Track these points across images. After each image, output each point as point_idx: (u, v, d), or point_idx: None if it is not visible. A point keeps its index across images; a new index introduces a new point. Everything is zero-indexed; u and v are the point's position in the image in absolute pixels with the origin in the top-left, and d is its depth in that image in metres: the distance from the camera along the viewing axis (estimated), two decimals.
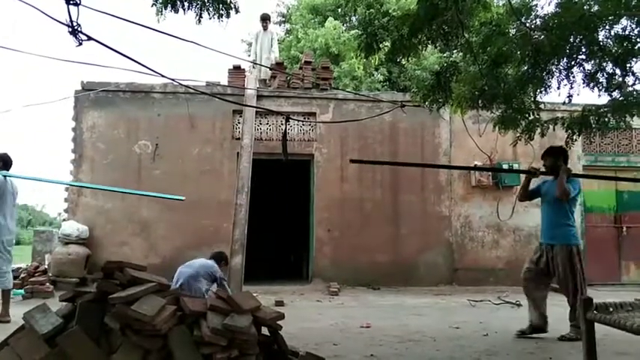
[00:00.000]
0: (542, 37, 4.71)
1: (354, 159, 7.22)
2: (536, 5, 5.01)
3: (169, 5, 4.16)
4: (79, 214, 9.24)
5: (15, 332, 3.17)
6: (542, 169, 5.57)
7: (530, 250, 10.05)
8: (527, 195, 5.76)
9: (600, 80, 4.99)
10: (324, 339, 5.21)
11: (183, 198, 6.56)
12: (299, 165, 9.95)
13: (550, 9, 5.01)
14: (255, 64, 10.24)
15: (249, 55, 13.33)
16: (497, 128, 5.90)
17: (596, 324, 2.90)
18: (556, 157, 5.48)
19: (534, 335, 5.60)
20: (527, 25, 4.90)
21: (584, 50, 4.81)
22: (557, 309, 7.43)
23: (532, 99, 5.56)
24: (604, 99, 5.31)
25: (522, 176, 6.43)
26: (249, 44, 16.71)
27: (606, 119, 5.26)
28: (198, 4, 4.18)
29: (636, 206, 10.61)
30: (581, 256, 5.40)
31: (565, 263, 5.30)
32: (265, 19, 10.82)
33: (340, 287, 8.90)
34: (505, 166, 9.89)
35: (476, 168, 9.62)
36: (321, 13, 17.77)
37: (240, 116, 9.56)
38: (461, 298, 8.34)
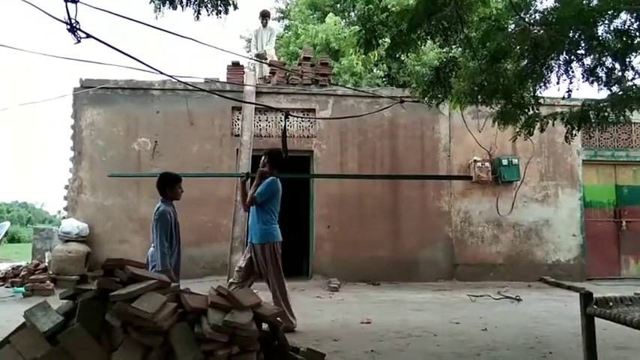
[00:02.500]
0: (542, 32, 4.69)
1: (114, 174, 7.38)
2: (535, 0, 5.00)
3: (167, 2, 4.15)
4: (78, 212, 9.24)
5: (16, 330, 3.18)
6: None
7: (530, 245, 10.14)
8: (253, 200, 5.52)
9: (600, 75, 4.98)
10: (324, 335, 5.22)
11: None
12: (299, 161, 9.93)
13: (549, 4, 5.02)
14: (258, 60, 10.21)
15: (248, 52, 13.32)
16: (496, 123, 5.90)
17: (596, 318, 2.91)
18: (266, 159, 5.49)
19: (535, 330, 5.60)
20: (527, 20, 4.89)
21: (583, 45, 4.79)
22: (557, 304, 7.48)
23: (531, 94, 5.55)
24: (603, 93, 5.32)
25: None
26: (248, 40, 16.67)
27: (606, 114, 5.25)
28: (196, 0, 4.17)
29: (636, 200, 10.61)
30: (277, 253, 5.34)
31: (265, 260, 5.30)
32: (265, 15, 10.80)
33: (340, 283, 8.91)
34: (505, 162, 9.90)
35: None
36: (320, 8, 17.72)
37: (240, 113, 9.55)
38: (461, 293, 8.36)
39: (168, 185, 4.88)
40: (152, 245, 4.85)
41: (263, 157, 5.55)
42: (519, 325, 5.88)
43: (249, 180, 5.73)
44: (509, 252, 10.09)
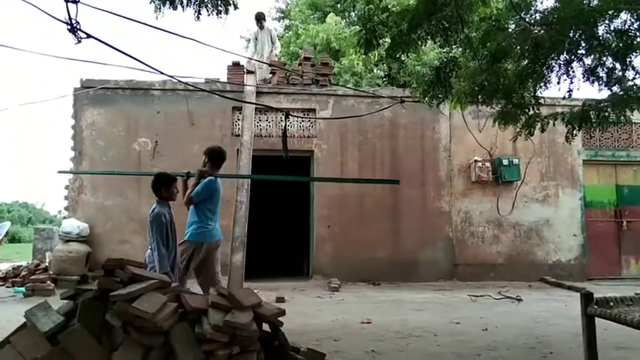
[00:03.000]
0: (542, 32, 4.69)
1: (62, 170, 7.15)
2: (535, 0, 5.00)
3: (168, 2, 4.15)
4: (79, 212, 9.24)
5: (17, 330, 3.18)
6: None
7: (530, 245, 10.14)
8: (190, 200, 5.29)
9: (600, 75, 4.98)
10: (325, 335, 5.23)
11: None
12: (299, 161, 9.94)
13: (549, 4, 5.01)
14: (258, 61, 10.20)
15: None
16: (497, 123, 5.89)
17: (596, 318, 2.91)
18: (206, 158, 5.34)
19: (536, 330, 5.60)
20: (527, 20, 4.89)
21: (583, 45, 4.79)
22: (557, 304, 7.48)
23: (532, 94, 5.55)
24: (604, 93, 5.31)
25: None
26: (249, 41, 16.68)
27: (606, 114, 5.25)
28: (196, 0, 4.17)
29: (637, 200, 10.60)
30: (195, 254, 5.09)
31: (181, 258, 5.09)
32: (259, 18, 10.73)
33: (341, 283, 8.91)
34: (505, 162, 9.90)
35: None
36: (321, 8, 17.73)
37: (240, 113, 9.54)
38: (461, 293, 8.36)
39: (164, 186, 4.79)
40: (149, 247, 4.84)
41: (204, 157, 5.38)
42: (520, 325, 5.88)
43: (189, 179, 5.42)
44: (509, 252, 10.09)
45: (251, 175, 8.85)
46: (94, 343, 2.97)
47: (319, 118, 9.86)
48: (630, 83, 5.06)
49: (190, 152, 9.49)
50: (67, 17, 3.55)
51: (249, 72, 9.75)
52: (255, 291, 4.25)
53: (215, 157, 5.40)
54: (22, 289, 8.01)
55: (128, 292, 3.02)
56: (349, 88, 11.31)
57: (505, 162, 9.91)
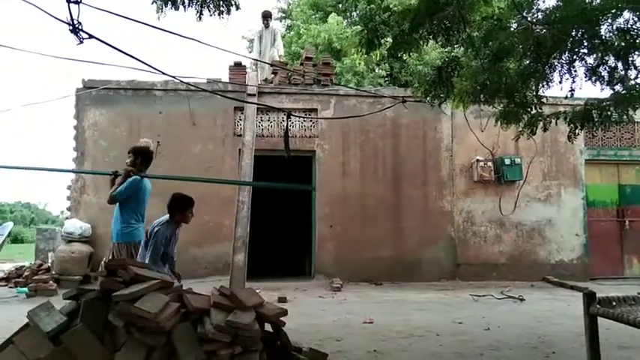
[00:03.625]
0: (544, 31, 4.68)
1: (3, 165, 7.16)
2: None
3: (170, 2, 4.15)
4: (81, 212, 9.25)
5: (19, 330, 3.18)
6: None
7: (532, 245, 10.13)
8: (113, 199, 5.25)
9: (602, 74, 4.97)
10: (327, 335, 5.23)
11: None
12: (301, 161, 9.95)
13: (552, 2, 4.99)
14: (262, 62, 10.21)
15: (250, 52, 13.31)
16: (499, 123, 5.88)
17: (599, 318, 2.90)
18: (134, 156, 5.28)
19: (538, 330, 5.59)
20: (529, 19, 4.88)
21: (586, 44, 4.78)
22: (560, 304, 7.47)
23: (534, 93, 5.53)
24: (606, 93, 5.30)
25: None
26: (250, 41, 16.69)
27: (609, 113, 5.24)
28: (198, 0, 4.17)
29: (639, 200, 10.58)
30: (132, 253, 5.03)
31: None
32: (266, 16, 10.78)
33: (343, 283, 8.91)
34: (507, 161, 9.88)
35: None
36: (322, 8, 17.74)
37: (242, 113, 9.55)
38: (463, 293, 8.35)
39: (179, 210, 4.70)
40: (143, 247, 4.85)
41: (133, 156, 5.28)
42: (522, 325, 5.87)
43: (117, 177, 5.34)
44: (512, 251, 10.07)
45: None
46: (97, 344, 2.97)
47: (321, 118, 9.86)
48: (632, 82, 5.05)
49: (192, 152, 9.53)
50: (69, 18, 3.56)
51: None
52: (258, 291, 4.26)
53: (143, 156, 5.34)
54: (25, 289, 8.03)
55: (130, 293, 3.02)
56: (351, 87, 11.32)
57: (507, 161, 9.90)
